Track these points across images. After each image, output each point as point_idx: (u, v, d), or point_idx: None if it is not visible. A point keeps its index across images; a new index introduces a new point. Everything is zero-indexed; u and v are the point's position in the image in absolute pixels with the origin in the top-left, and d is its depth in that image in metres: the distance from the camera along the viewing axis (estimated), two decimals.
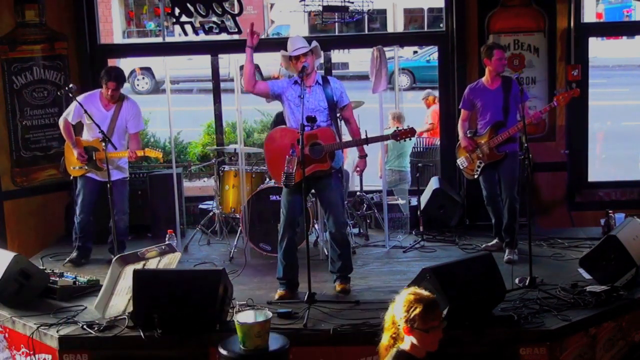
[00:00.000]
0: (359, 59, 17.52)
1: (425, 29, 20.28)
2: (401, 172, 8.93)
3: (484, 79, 6.48)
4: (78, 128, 6.66)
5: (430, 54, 18.12)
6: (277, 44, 8.50)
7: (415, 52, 17.43)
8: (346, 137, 6.04)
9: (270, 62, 18.66)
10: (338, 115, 5.81)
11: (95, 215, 6.72)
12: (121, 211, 6.49)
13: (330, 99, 5.59)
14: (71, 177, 6.70)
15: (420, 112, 10.39)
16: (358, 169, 5.98)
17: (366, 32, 16.91)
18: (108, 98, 6.41)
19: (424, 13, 20.97)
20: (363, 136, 5.64)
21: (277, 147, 5.63)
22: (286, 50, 5.62)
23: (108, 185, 5.96)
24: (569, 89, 6.25)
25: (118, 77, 6.45)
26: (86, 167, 6.49)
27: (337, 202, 5.70)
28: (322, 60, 5.89)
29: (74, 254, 6.57)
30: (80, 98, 6.39)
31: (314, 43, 5.61)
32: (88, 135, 6.53)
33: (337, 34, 14.52)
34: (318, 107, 5.56)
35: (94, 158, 6.45)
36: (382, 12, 19.37)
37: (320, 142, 5.45)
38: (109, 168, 6.18)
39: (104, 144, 5.96)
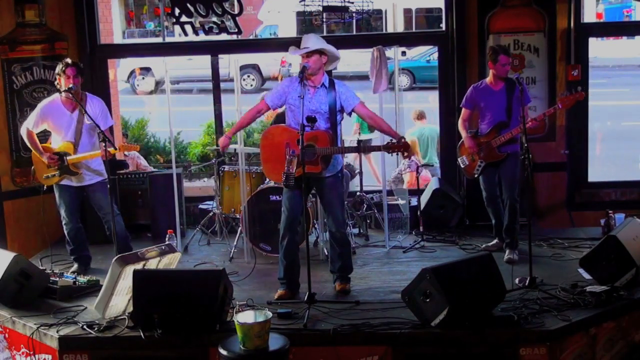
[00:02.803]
0: (346, 59, 17.50)
1: (414, 29, 20.25)
2: (430, 167, 8.96)
3: (487, 79, 6.47)
4: (43, 137, 6.49)
5: (430, 54, 18.13)
6: (278, 44, 8.55)
7: (403, 52, 17.37)
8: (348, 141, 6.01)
9: (270, 62, 18.74)
10: (341, 119, 5.76)
11: (85, 219, 6.60)
12: (110, 213, 6.32)
13: (332, 104, 5.58)
14: (45, 187, 6.43)
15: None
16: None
17: (354, 32, 16.87)
18: (72, 94, 6.01)
19: (412, 13, 20.97)
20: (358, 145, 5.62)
21: (272, 144, 5.66)
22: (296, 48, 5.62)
23: (108, 185, 5.88)
24: (574, 92, 6.22)
25: (74, 63, 6.17)
26: (57, 174, 6.24)
27: (337, 202, 5.71)
28: (337, 63, 5.82)
29: (75, 266, 6.42)
30: (41, 105, 6.27)
31: (323, 46, 5.55)
32: (57, 140, 6.29)
33: (325, 34, 14.49)
34: (319, 109, 5.54)
35: (66, 163, 6.21)
36: (378, 12, 19.33)
37: (314, 144, 5.45)
38: (84, 173, 6.16)
39: (103, 143, 5.83)
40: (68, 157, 6.22)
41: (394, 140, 5.49)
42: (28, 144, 6.37)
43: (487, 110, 6.45)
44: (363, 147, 5.58)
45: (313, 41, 5.57)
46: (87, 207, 6.74)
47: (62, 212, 6.40)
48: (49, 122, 6.28)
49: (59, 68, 6.16)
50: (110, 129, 6.71)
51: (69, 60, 6.23)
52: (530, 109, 6.65)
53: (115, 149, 6.13)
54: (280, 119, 6.67)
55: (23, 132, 6.36)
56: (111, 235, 6.25)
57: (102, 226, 6.55)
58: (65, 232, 6.45)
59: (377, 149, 5.68)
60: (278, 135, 5.67)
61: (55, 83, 6.25)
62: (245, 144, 7.87)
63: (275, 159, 5.58)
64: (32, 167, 6.48)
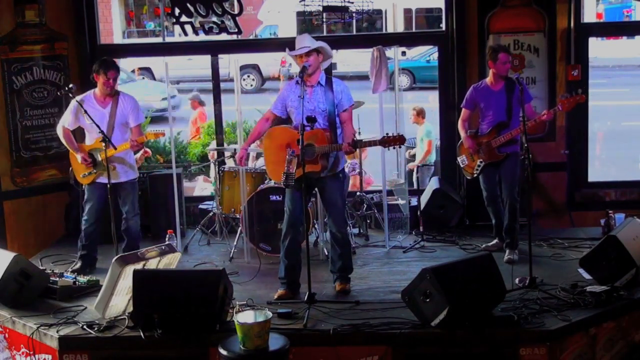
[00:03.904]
0: (346, 59, 17.50)
1: (414, 30, 20.26)
2: (432, 165, 8.99)
3: (487, 79, 6.47)
4: (80, 135, 6.54)
5: (430, 54, 18.14)
6: (278, 44, 8.53)
7: (403, 52, 17.38)
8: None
9: (270, 62, 18.74)
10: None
11: (104, 220, 6.58)
12: (132, 212, 6.39)
13: (331, 103, 5.58)
14: (83, 187, 6.46)
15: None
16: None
17: (354, 32, 16.88)
18: (107, 91, 6.19)
19: (412, 13, 20.98)
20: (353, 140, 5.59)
21: (274, 146, 5.66)
22: (293, 49, 5.60)
23: (108, 185, 5.91)
24: (574, 94, 6.21)
25: (115, 65, 6.32)
26: (94, 172, 6.30)
27: (338, 202, 5.71)
28: (330, 61, 5.84)
29: (79, 264, 6.41)
30: (74, 102, 6.26)
31: (319, 43, 5.58)
32: (89, 139, 6.38)
33: (325, 34, 14.50)
34: (317, 108, 5.54)
35: (99, 159, 6.26)
36: (378, 12, 19.35)
37: (313, 143, 5.45)
38: (119, 169, 6.19)
39: (103, 143, 5.89)
40: (100, 154, 6.21)
41: (389, 134, 5.47)
42: (64, 142, 6.40)
43: (487, 110, 6.45)
44: (360, 143, 5.53)
45: (310, 40, 5.58)
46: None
47: (87, 209, 6.41)
48: (81, 119, 6.30)
49: (97, 65, 6.19)
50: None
51: (109, 60, 6.30)
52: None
53: (115, 148, 6.13)
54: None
55: (59, 130, 6.40)
56: (124, 232, 6.34)
57: (107, 226, 6.54)
58: (82, 228, 6.45)
59: (374, 143, 5.64)
60: (279, 136, 5.67)
61: (91, 78, 6.28)
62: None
63: (277, 160, 5.58)
64: (70, 168, 6.50)
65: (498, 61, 6.26)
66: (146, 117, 11.84)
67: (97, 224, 6.45)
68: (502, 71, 6.31)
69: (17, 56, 7.47)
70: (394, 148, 5.52)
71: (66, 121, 6.34)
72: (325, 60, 5.68)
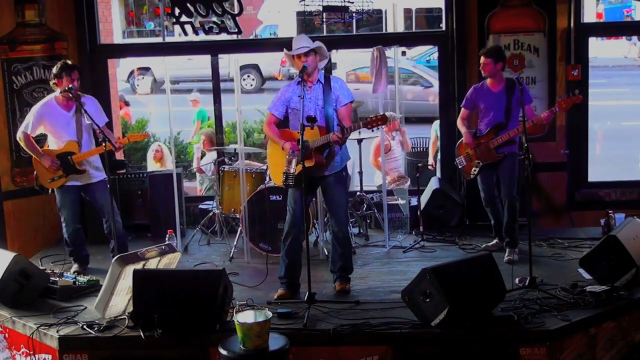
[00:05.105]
0: (346, 59, 17.50)
1: (414, 29, 20.27)
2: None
3: (487, 81, 6.47)
4: (41, 140, 6.46)
5: (430, 54, 18.14)
6: (277, 44, 8.53)
7: (403, 52, 17.38)
8: None
9: (271, 62, 18.75)
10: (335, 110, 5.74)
11: (83, 221, 6.61)
12: (111, 212, 6.36)
13: (328, 99, 5.57)
14: (50, 191, 6.39)
15: None
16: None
17: (354, 32, 16.89)
18: (72, 94, 6.05)
19: (412, 13, 20.99)
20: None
21: (276, 149, 5.65)
22: (290, 49, 5.60)
23: (108, 185, 5.89)
24: (571, 95, 6.22)
25: (77, 66, 6.28)
26: (65, 175, 6.21)
27: (341, 201, 5.71)
28: (326, 61, 5.84)
29: (75, 266, 6.40)
30: (37, 108, 6.25)
31: (317, 43, 5.58)
32: (57, 142, 6.26)
33: (325, 34, 14.50)
34: (316, 105, 5.56)
35: (72, 163, 6.20)
36: (378, 12, 19.36)
37: (307, 139, 5.44)
38: (89, 170, 6.15)
39: (103, 143, 5.87)
40: (73, 156, 6.20)
41: (372, 115, 5.43)
42: (26, 149, 6.32)
43: (487, 111, 6.45)
44: (347, 130, 5.48)
45: (307, 41, 5.57)
46: (86, 207, 6.73)
47: (64, 215, 6.37)
48: (46, 124, 6.25)
49: (58, 70, 6.14)
50: (108, 125, 6.72)
51: (69, 62, 6.25)
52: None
53: (115, 147, 6.13)
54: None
55: (20, 137, 6.30)
56: (109, 235, 6.27)
57: (101, 226, 6.53)
58: (65, 235, 6.43)
59: (358, 126, 5.58)
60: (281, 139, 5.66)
61: (52, 84, 6.23)
62: (245, 144, 7.87)
63: (280, 163, 5.57)
64: (35, 172, 6.39)
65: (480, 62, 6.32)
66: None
67: (78, 226, 6.44)
68: (483, 72, 6.33)
69: (17, 56, 7.47)
70: (378, 129, 5.49)
71: (28, 127, 6.23)
72: (322, 60, 5.68)
